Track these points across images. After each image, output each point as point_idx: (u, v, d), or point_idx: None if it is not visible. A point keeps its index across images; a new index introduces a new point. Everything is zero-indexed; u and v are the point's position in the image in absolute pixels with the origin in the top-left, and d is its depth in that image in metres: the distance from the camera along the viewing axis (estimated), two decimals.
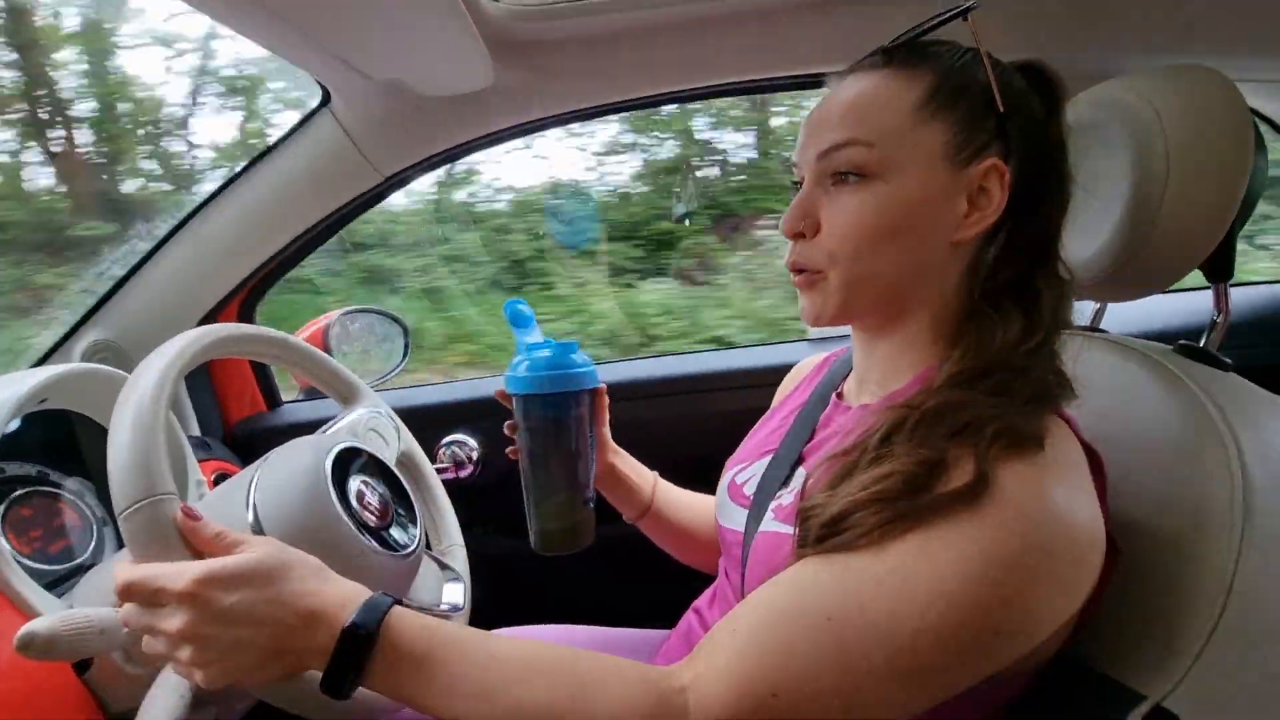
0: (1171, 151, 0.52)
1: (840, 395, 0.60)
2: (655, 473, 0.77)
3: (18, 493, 0.67)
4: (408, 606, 0.46)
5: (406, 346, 1.24)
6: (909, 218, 0.49)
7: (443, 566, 0.72)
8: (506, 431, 0.68)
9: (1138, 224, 0.54)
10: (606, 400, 0.70)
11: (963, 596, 0.38)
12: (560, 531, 0.65)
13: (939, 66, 0.49)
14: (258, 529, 0.54)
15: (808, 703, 0.40)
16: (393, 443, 0.75)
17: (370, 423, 0.73)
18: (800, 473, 0.55)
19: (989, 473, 0.40)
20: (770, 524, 0.53)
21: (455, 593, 0.71)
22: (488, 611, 0.74)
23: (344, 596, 0.44)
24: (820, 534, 0.43)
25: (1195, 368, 0.54)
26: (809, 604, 0.41)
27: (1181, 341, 0.58)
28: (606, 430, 0.72)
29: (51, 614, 0.46)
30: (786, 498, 0.54)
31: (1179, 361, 0.55)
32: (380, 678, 0.43)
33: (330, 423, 0.71)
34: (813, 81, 0.93)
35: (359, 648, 0.42)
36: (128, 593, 0.43)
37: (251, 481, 0.57)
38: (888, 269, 0.50)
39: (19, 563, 0.58)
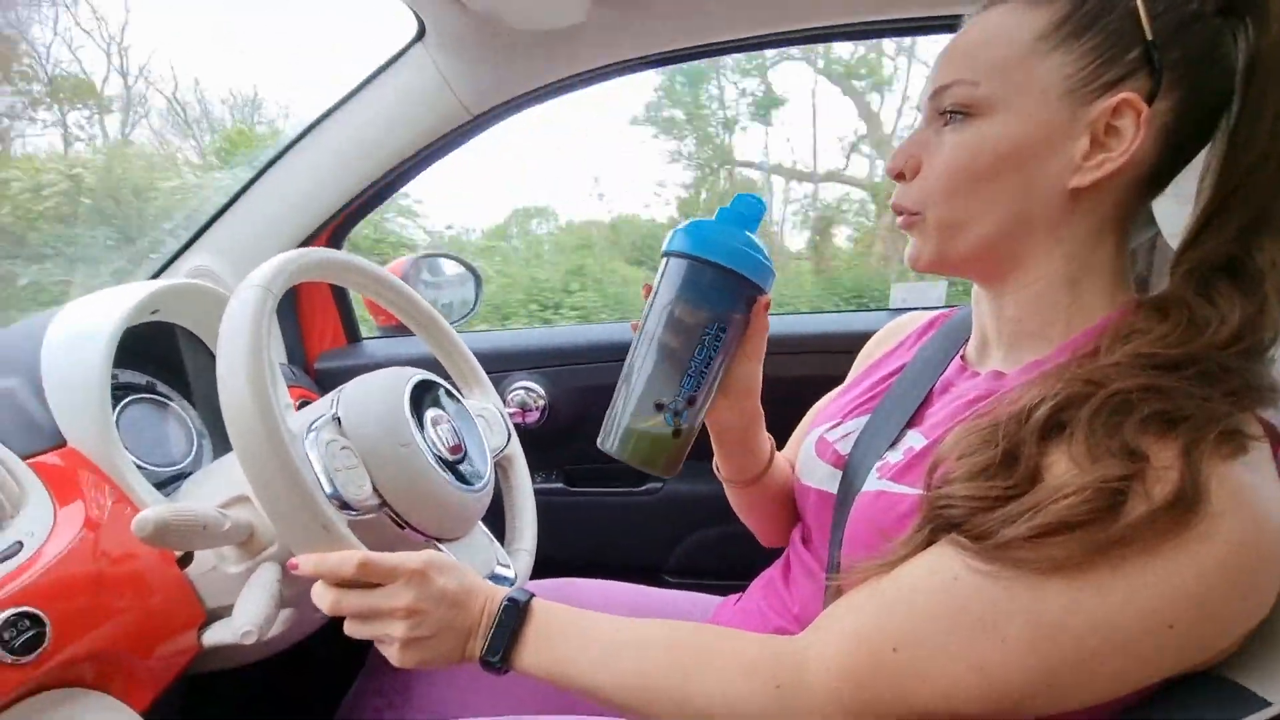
0: None
1: (964, 359, 0.56)
2: (772, 438, 0.66)
3: (129, 398, 0.71)
4: None
5: (479, 293, 1.26)
6: (1010, 158, 0.44)
7: (500, 563, 0.70)
8: (643, 294, 0.55)
9: None
10: (766, 325, 0.55)
11: (1159, 622, 0.35)
12: (651, 442, 0.52)
13: None
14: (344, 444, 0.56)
15: (931, 662, 0.39)
16: (497, 438, 0.75)
17: (480, 411, 0.74)
18: (912, 434, 0.52)
19: (1199, 480, 0.35)
20: (877, 483, 0.50)
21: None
22: (544, 560, 0.75)
23: (492, 586, 0.51)
24: (979, 532, 0.38)
25: None
26: (961, 605, 0.39)
27: None
28: (760, 366, 0.57)
29: (163, 505, 0.49)
30: (894, 457, 0.51)
31: None
32: (532, 645, 0.48)
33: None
34: (940, 24, 0.85)
35: (518, 617, 0.48)
36: (365, 571, 0.47)
37: (335, 402, 0.59)
38: (986, 213, 0.46)
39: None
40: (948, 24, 0.85)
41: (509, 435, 0.76)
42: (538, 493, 0.79)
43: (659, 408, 0.52)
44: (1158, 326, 0.41)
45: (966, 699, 0.38)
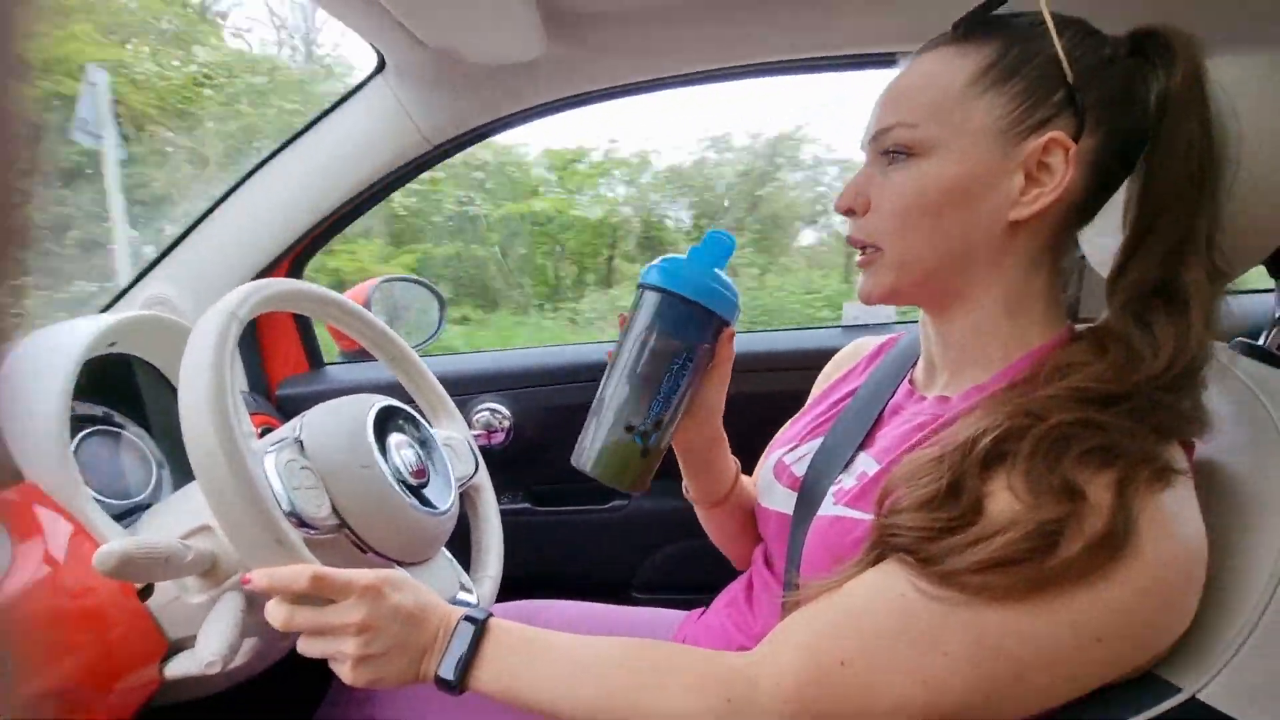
0: (1245, 139, 0.50)
1: (912, 382, 0.59)
2: (736, 460, 0.70)
3: (86, 431, 0.71)
4: None
5: (442, 317, 1.27)
6: (952, 194, 0.48)
7: (464, 588, 0.71)
8: (619, 323, 0.58)
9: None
10: (732, 354, 0.59)
11: (1089, 637, 0.38)
12: (621, 460, 0.56)
13: (1003, 38, 0.47)
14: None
15: (878, 677, 0.41)
16: (464, 466, 0.76)
17: (447, 440, 0.74)
18: (863, 457, 0.55)
19: (1130, 516, 0.38)
20: (832, 508, 0.53)
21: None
22: (507, 581, 0.75)
23: (448, 605, 0.51)
24: (925, 557, 0.41)
25: (1252, 364, 0.53)
26: (906, 622, 0.41)
27: (1239, 338, 0.57)
28: (724, 390, 0.61)
29: (125, 538, 0.49)
30: (848, 481, 0.53)
31: (1234, 358, 0.53)
32: (488, 664, 0.48)
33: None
34: (876, 61, 0.91)
35: (475, 634, 0.48)
36: (318, 586, 0.46)
37: (298, 426, 0.60)
38: (934, 247, 0.49)
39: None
40: (885, 60, 0.90)
41: (476, 464, 0.77)
42: (504, 513, 0.80)
43: (629, 429, 0.56)
44: (1096, 361, 0.44)
45: (911, 712, 0.41)
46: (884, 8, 0.82)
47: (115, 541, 0.48)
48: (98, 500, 0.62)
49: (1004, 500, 0.40)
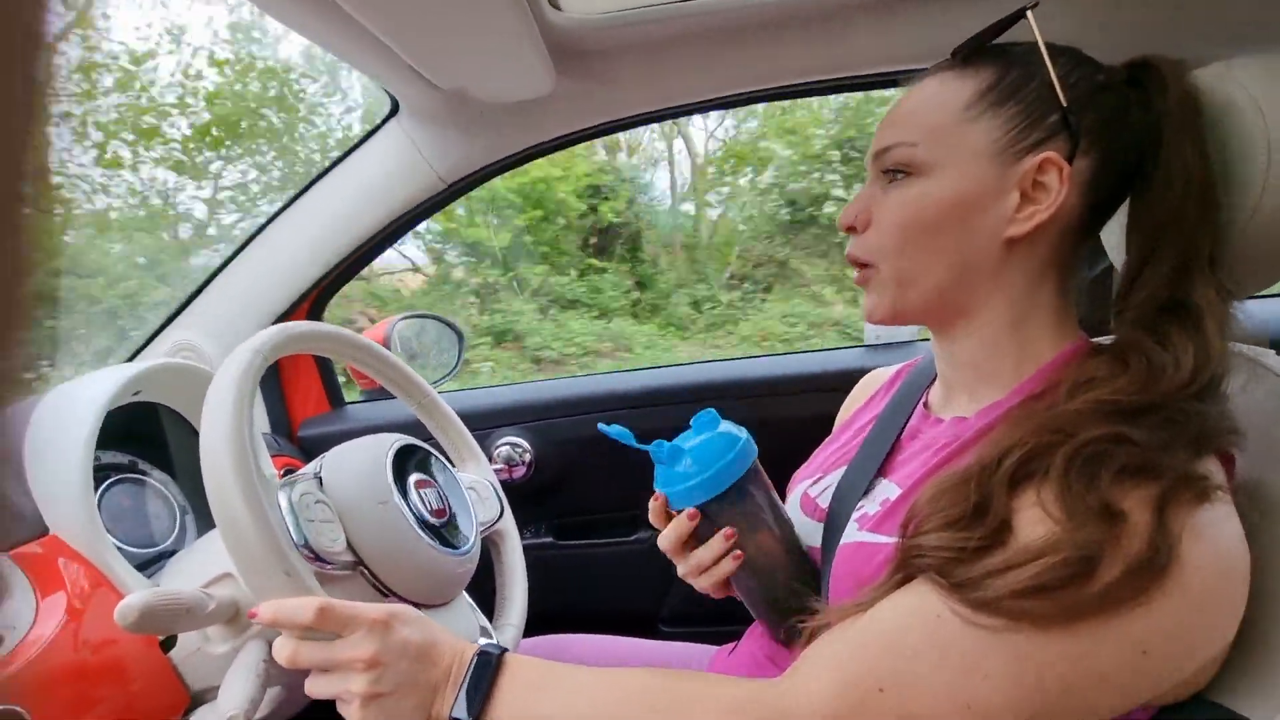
0: (1273, 143, 0.49)
1: (927, 405, 0.58)
2: None
3: (111, 479, 0.71)
4: None
5: (460, 353, 1.27)
6: (950, 212, 0.49)
7: (485, 634, 0.70)
8: (678, 545, 0.55)
9: (1232, 218, 0.51)
10: None
11: (1135, 651, 0.38)
12: (801, 604, 0.52)
13: (1001, 64, 0.49)
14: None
15: (918, 701, 0.39)
16: (489, 511, 0.75)
17: (472, 484, 0.74)
18: (884, 483, 0.54)
19: (1171, 537, 0.37)
20: (855, 535, 0.52)
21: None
22: (531, 617, 0.74)
23: (461, 640, 0.49)
24: (958, 581, 0.39)
25: None
26: (945, 644, 0.39)
27: None
28: None
29: (145, 590, 0.49)
30: (871, 507, 0.53)
31: (1277, 362, 0.51)
32: (506, 699, 0.46)
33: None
34: (882, 82, 0.91)
35: (491, 670, 0.46)
36: (324, 618, 0.45)
37: (319, 464, 0.60)
38: (934, 265, 0.50)
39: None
40: (893, 82, 0.90)
41: (501, 509, 0.76)
42: (526, 548, 0.79)
43: (795, 573, 0.55)
44: (1118, 375, 0.43)
45: None
46: (892, 31, 0.82)
47: (135, 595, 0.47)
48: (122, 549, 0.62)
49: (1034, 519, 0.39)
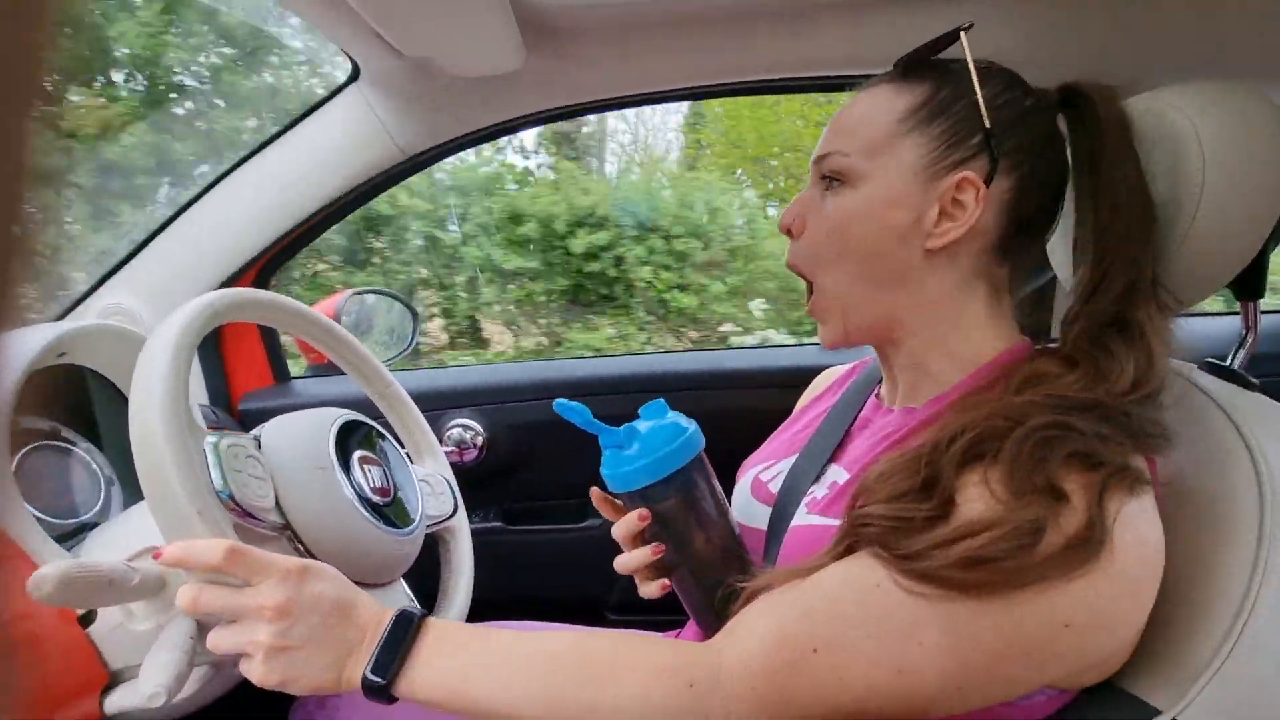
0: (1208, 166, 0.52)
1: (879, 398, 0.60)
2: None
3: (31, 446, 0.67)
4: None
5: (415, 330, 1.24)
6: (875, 223, 0.51)
7: None
8: (631, 537, 0.54)
9: (1169, 236, 0.53)
10: None
11: (1059, 624, 0.39)
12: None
13: (936, 81, 0.51)
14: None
15: (851, 665, 0.40)
16: (442, 505, 0.73)
17: (426, 476, 0.72)
18: (834, 468, 0.56)
19: (1106, 517, 0.39)
20: (804, 518, 0.53)
21: None
22: (482, 603, 0.73)
23: (380, 603, 0.48)
24: (902, 552, 0.41)
25: (1220, 385, 0.53)
26: (883, 611, 0.41)
27: (1208, 359, 0.58)
28: None
29: (63, 561, 0.46)
30: (820, 491, 0.54)
31: (1204, 378, 0.54)
32: (425, 662, 0.44)
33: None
34: (853, 83, 0.92)
35: (409, 630, 0.45)
36: (234, 560, 0.43)
37: (258, 431, 0.58)
38: (860, 274, 0.52)
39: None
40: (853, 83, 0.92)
41: (455, 506, 0.74)
42: (475, 533, 0.78)
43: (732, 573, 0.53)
44: (1068, 373, 0.46)
45: (883, 700, 0.41)
46: (859, 33, 0.83)
47: (51, 565, 0.44)
48: (41, 519, 0.59)
49: (978, 497, 0.41)
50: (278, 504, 0.53)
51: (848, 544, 0.44)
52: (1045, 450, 0.41)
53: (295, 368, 1.20)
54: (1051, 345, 0.51)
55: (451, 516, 0.73)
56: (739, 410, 1.02)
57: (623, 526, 0.54)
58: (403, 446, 0.71)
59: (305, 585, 0.44)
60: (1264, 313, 0.62)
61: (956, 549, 0.39)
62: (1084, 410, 0.43)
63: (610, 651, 0.45)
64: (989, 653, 0.40)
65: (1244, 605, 0.43)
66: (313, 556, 0.55)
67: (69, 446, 0.71)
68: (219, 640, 0.45)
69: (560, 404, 0.51)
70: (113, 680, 0.55)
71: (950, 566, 0.39)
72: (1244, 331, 0.61)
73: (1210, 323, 1.15)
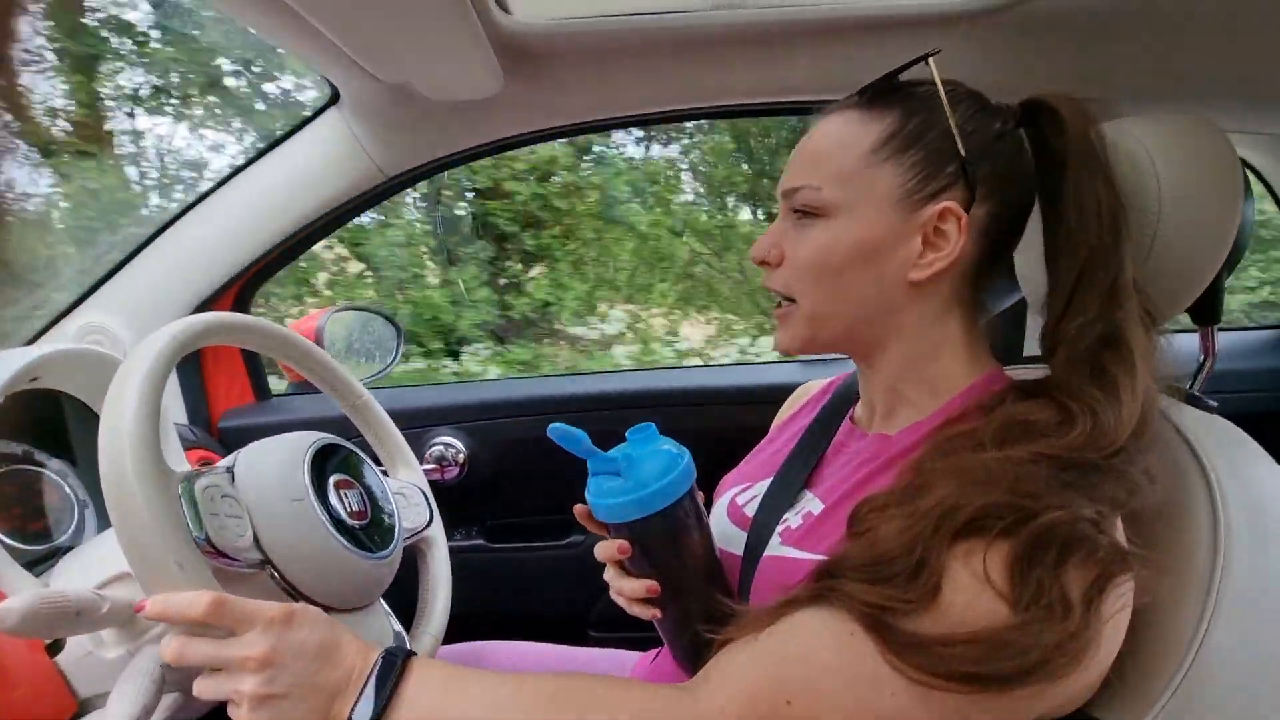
0: (1164, 195, 0.53)
1: (854, 420, 0.60)
2: None
3: (3, 469, 0.67)
4: None
5: (398, 346, 1.24)
6: (856, 256, 0.51)
7: (399, 640, 0.67)
8: (616, 564, 0.54)
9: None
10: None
11: (1031, 703, 0.40)
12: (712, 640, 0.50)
13: (905, 109, 0.51)
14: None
15: (826, 716, 0.40)
16: (417, 517, 0.72)
17: (401, 489, 0.71)
18: (808, 495, 0.56)
19: (1101, 622, 0.39)
20: (778, 548, 0.53)
21: None
22: (456, 621, 0.73)
23: (364, 642, 0.48)
24: (883, 632, 0.40)
25: (1179, 408, 0.55)
26: (855, 660, 0.40)
27: (1189, 392, 0.59)
28: None
29: (29, 592, 0.46)
30: (794, 520, 0.54)
31: (1162, 401, 0.55)
32: (410, 704, 0.45)
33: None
34: (819, 108, 0.94)
35: (396, 672, 0.45)
36: (217, 612, 0.43)
37: (234, 458, 0.58)
38: (843, 303, 0.52)
39: None
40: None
41: (431, 517, 0.74)
42: (455, 550, 0.77)
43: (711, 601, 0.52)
44: (1062, 424, 0.43)
45: None
46: (831, 59, 0.85)
47: (17, 598, 0.44)
48: (10, 545, 0.58)
49: (970, 582, 0.40)
50: (255, 540, 0.53)
51: (819, 593, 0.43)
52: (1047, 541, 0.39)
53: (277, 384, 1.20)
54: (1028, 367, 0.51)
55: (427, 527, 0.73)
56: (719, 427, 1.03)
57: (605, 550, 0.54)
58: (379, 464, 0.71)
59: (289, 633, 0.44)
60: (1221, 329, 0.63)
61: (953, 657, 0.38)
62: (1084, 476, 0.42)
63: (591, 696, 0.45)
64: (960, 714, 0.40)
65: (1200, 625, 0.44)
66: (293, 588, 0.55)
67: (41, 470, 0.71)
68: (204, 689, 0.45)
69: (556, 429, 0.50)
70: (81, 709, 0.54)
71: (945, 675, 0.38)
72: (1202, 357, 0.62)
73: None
